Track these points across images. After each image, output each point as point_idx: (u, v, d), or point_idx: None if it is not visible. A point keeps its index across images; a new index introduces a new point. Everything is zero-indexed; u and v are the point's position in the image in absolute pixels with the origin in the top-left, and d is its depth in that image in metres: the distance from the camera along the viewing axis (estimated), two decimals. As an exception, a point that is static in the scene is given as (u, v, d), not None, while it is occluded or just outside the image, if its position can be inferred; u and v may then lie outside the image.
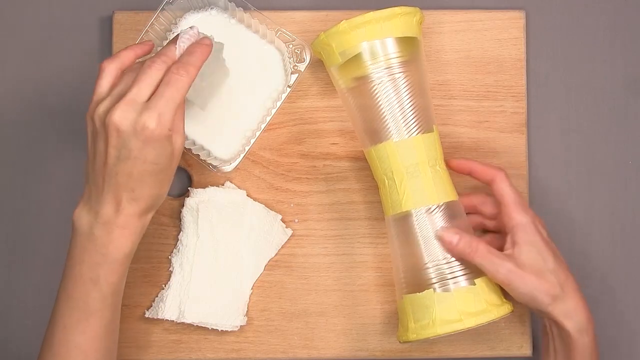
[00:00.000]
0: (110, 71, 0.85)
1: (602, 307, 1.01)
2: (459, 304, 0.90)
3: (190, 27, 0.87)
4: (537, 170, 1.02)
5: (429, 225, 0.91)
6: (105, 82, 0.84)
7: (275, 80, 0.96)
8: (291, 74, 0.96)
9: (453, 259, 0.91)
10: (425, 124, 0.93)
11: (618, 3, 1.04)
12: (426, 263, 0.91)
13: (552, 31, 1.03)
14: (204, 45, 0.86)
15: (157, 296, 0.99)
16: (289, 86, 0.96)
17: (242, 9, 0.95)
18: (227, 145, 0.96)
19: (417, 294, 0.91)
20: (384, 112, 0.92)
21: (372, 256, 1.00)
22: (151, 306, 0.99)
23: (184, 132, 0.84)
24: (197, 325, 0.98)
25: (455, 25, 1.01)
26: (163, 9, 0.95)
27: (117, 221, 0.83)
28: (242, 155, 0.95)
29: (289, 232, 1.00)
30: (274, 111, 0.95)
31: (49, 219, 1.01)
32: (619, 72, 1.03)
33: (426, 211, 0.91)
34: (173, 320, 0.98)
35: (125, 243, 0.84)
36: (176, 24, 0.96)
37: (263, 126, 0.95)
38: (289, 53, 0.95)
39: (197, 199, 0.99)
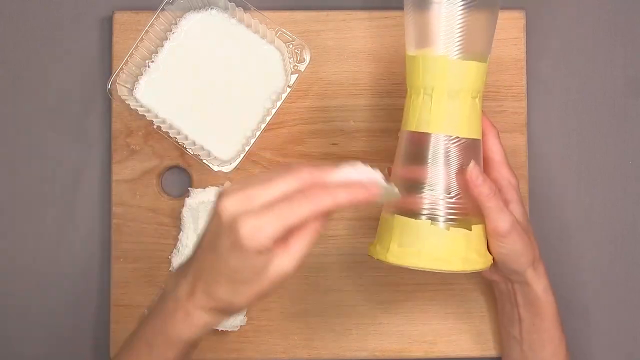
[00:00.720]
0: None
1: (601, 307, 1.01)
2: (452, 245, 0.86)
3: (375, 169, 0.75)
4: (537, 170, 1.02)
5: (449, 154, 0.86)
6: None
7: (275, 80, 0.96)
8: (291, 74, 0.96)
9: (453, 195, 0.86)
10: (484, 52, 0.88)
11: (618, 3, 1.04)
12: (429, 187, 0.86)
13: (552, 31, 1.03)
14: (366, 190, 0.73)
15: (157, 296, 0.99)
16: (289, 86, 0.96)
17: (242, 9, 0.95)
18: (227, 145, 0.96)
19: (412, 219, 0.86)
20: (447, 25, 0.86)
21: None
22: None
23: (300, 259, 0.73)
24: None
25: (455, 25, 1.01)
26: (163, 9, 0.95)
27: (185, 305, 0.75)
28: (242, 155, 0.95)
29: None
30: (274, 111, 0.95)
31: (48, 217, 1.01)
32: (619, 72, 1.03)
33: (449, 139, 0.86)
34: None
35: (183, 329, 0.76)
36: (176, 23, 0.96)
37: (263, 126, 0.95)
38: (289, 53, 0.95)
39: (197, 199, 0.99)
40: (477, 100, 0.88)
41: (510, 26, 1.01)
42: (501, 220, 0.87)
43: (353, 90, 1.01)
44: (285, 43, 0.95)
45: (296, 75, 0.95)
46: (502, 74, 1.01)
